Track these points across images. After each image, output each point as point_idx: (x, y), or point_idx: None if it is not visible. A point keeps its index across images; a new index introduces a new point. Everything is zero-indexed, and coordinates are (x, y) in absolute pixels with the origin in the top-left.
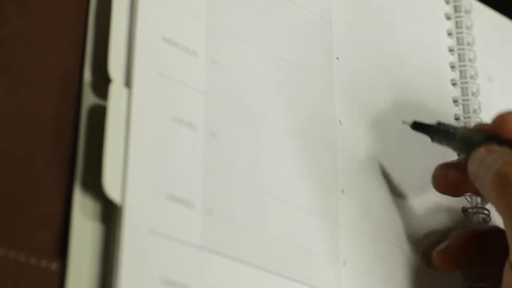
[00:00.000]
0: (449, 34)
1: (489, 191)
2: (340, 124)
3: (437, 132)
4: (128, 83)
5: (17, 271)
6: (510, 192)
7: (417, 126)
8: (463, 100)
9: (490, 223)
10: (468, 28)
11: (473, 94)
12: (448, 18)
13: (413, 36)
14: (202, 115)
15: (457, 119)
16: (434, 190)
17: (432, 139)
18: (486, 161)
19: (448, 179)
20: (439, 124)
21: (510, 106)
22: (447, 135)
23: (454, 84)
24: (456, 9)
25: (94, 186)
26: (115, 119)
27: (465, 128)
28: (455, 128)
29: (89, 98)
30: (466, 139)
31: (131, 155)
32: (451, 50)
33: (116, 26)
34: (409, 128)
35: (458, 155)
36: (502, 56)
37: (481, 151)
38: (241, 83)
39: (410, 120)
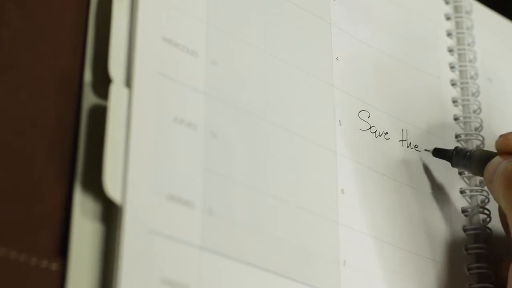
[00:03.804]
0: (449, 34)
1: (497, 191)
2: (340, 124)
3: (456, 156)
4: (128, 83)
5: (18, 271)
6: None
7: (437, 153)
8: (462, 100)
9: (490, 224)
10: (468, 28)
11: (473, 94)
12: (448, 18)
13: (413, 36)
14: (202, 115)
15: (456, 119)
16: (433, 191)
17: (452, 164)
18: (499, 166)
19: None
20: (457, 148)
21: (509, 107)
22: (464, 158)
23: (454, 85)
24: (456, 9)
25: (94, 186)
26: (116, 119)
27: (481, 149)
28: (471, 151)
29: (89, 98)
30: (483, 159)
31: (131, 155)
32: (450, 51)
33: (117, 26)
34: (417, 138)
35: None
36: (502, 57)
37: (497, 158)
38: (241, 83)
39: (431, 147)
